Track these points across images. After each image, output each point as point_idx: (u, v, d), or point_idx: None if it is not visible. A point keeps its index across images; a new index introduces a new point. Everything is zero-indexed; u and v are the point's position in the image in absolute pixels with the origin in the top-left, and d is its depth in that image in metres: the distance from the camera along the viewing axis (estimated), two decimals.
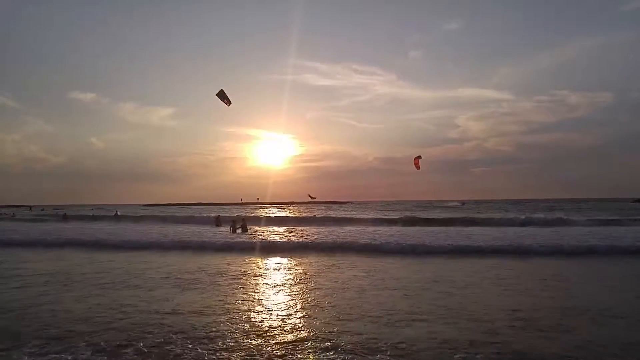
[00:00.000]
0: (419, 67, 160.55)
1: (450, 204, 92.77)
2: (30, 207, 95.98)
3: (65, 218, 43.70)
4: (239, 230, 24.11)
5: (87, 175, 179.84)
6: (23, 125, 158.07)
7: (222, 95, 16.19)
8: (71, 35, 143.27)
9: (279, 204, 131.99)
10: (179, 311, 7.19)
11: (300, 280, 10.21)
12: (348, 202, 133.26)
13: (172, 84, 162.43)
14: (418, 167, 23.92)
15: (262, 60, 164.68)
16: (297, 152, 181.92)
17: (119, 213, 48.95)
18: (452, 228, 25.10)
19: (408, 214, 47.08)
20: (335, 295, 8.34)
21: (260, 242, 18.28)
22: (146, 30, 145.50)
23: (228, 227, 25.82)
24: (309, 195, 64.97)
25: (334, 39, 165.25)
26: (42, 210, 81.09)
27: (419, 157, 24.29)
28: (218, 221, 31.47)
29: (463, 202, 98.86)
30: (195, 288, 9.22)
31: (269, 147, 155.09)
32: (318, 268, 11.99)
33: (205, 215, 40.43)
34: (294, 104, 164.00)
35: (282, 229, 26.99)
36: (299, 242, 18.19)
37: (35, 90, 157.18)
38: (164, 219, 37.75)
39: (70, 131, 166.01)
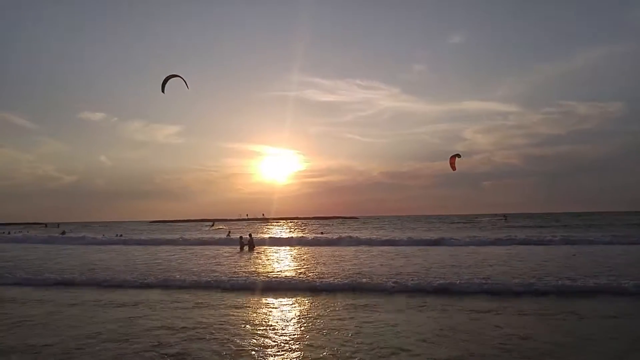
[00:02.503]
0: (423, 80, 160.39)
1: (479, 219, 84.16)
2: (45, 225, 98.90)
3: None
4: (246, 248, 25.59)
5: (96, 193, 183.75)
6: (37, 145, 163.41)
7: (170, 78, 16.36)
8: (81, 57, 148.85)
9: (284, 220, 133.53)
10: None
11: (298, 313, 9.25)
12: (353, 217, 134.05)
13: (177, 101, 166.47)
14: (454, 168, 22.34)
15: (265, 76, 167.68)
16: (301, 167, 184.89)
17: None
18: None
19: (441, 232, 39.31)
20: (333, 333, 7.57)
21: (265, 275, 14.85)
22: (151, 51, 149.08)
23: (244, 245, 26.18)
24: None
25: (337, 55, 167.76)
26: (57, 226, 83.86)
27: (457, 155, 22.31)
28: (241, 241, 29.02)
29: (505, 216, 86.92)
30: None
31: (274, 163, 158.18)
32: (318, 301, 10.59)
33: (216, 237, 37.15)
34: (298, 119, 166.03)
35: (287, 248, 27.42)
36: (305, 276, 14.38)
37: (49, 111, 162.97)
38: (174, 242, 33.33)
39: (82, 150, 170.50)
